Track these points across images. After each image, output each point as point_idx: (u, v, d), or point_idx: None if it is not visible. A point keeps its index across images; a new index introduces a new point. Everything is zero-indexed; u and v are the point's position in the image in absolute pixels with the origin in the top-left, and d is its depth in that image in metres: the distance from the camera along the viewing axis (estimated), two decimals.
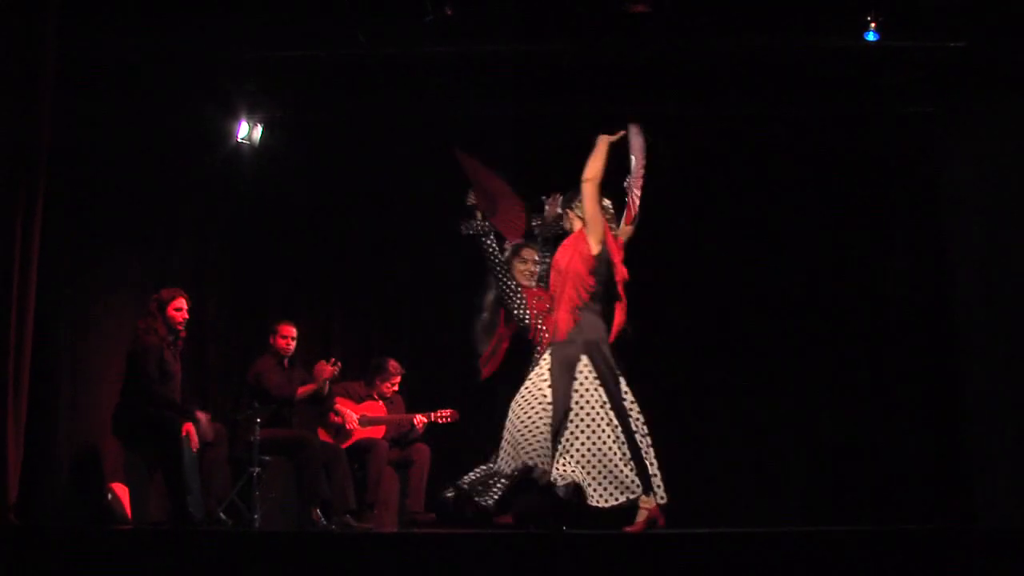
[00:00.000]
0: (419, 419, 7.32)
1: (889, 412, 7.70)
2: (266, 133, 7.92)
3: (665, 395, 7.37)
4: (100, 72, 6.58)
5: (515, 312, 6.07)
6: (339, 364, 7.13)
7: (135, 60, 6.75)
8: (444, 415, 7.34)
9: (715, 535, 5.28)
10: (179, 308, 6.47)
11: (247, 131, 7.83)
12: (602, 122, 7.69)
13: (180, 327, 6.48)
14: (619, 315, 5.67)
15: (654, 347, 7.33)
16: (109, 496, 6.41)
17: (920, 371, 7.67)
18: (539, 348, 5.92)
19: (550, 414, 5.56)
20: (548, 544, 5.15)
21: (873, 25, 6.45)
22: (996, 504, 6.87)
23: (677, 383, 7.76)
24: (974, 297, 7.20)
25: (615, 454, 5.49)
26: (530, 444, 5.53)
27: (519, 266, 6.17)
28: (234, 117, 7.76)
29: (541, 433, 5.53)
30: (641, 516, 5.52)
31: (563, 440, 5.53)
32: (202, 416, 6.33)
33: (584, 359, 5.60)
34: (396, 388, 7.50)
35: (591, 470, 5.48)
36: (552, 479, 5.47)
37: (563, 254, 5.80)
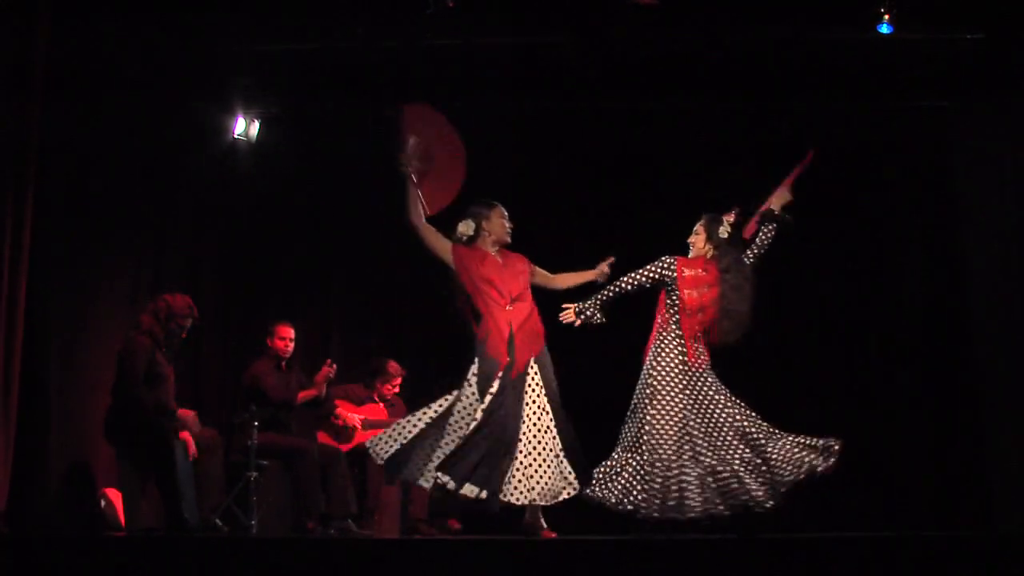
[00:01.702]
0: None
1: (905, 415, 7.62)
2: (263, 129, 7.81)
3: None
4: (93, 68, 6.49)
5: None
6: (334, 366, 7.03)
7: (129, 55, 6.65)
8: None
9: (727, 541, 5.18)
10: (183, 326, 6.33)
11: (244, 127, 7.74)
12: (605, 117, 7.71)
13: (176, 341, 6.34)
14: None
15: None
16: (103, 502, 6.31)
17: (936, 373, 7.59)
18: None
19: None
20: (549, 549, 5.09)
21: (887, 17, 6.36)
22: (1014, 508, 6.81)
23: None
24: (991, 296, 7.13)
25: None
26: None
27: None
28: (230, 113, 7.66)
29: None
30: None
31: None
32: (187, 413, 6.18)
33: None
34: (396, 390, 7.40)
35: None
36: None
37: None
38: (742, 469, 5.58)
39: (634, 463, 5.67)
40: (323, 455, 6.84)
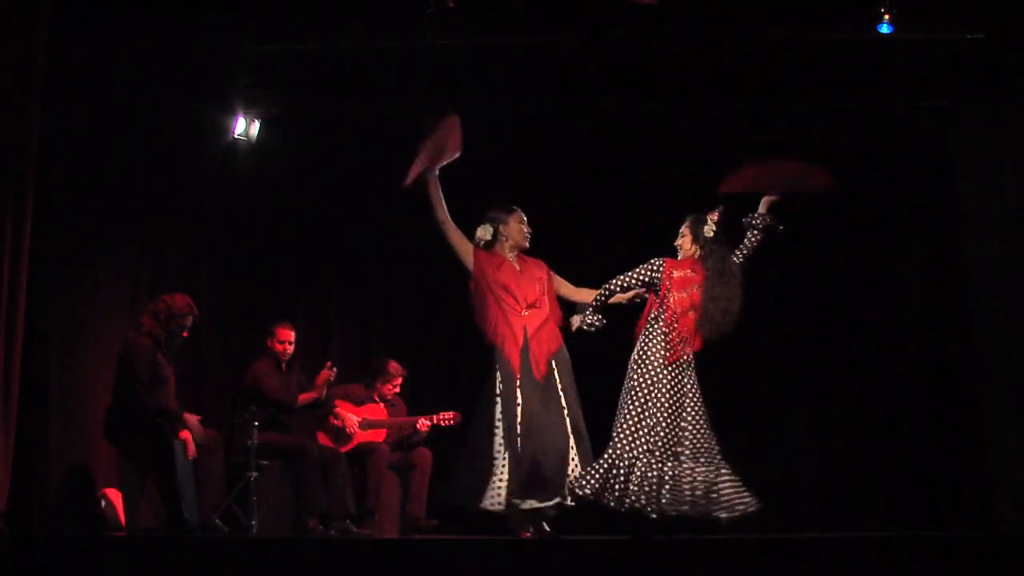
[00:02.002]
0: (422, 422, 7.20)
1: (905, 415, 7.60)
2: (263, 129, 7.80)
3: None
4: (93, 68, 6.47)
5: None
6: (335, 369, 7.02)
7: (129, 55, 6.64)
8: (447, 417, 7.21)
9: (728, 541, 5.18)
10: (183, 325, 6.32)
11: (244, 127, 7.71)
12: (607, 117, 7.69)
13: (176, 341, 6.34)
14: None
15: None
16: (103, 502, 6.30)
17: (936, 373, 7.57)
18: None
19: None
20: (551, 549, 5.09)
21: (887, 17, 6.34)
22: (1014, 509, 6.78)
23: None
24: (992, 296, 7.10)
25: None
26: None
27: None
28: (230, 113, 7.64)
29: None
30: None
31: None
32: (191, 418, 6.18)
33: None
34: (397, 390, 7.39)
35: None
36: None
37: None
38: (668, 475, 5.51)
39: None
40: (323, 455, 6.83)
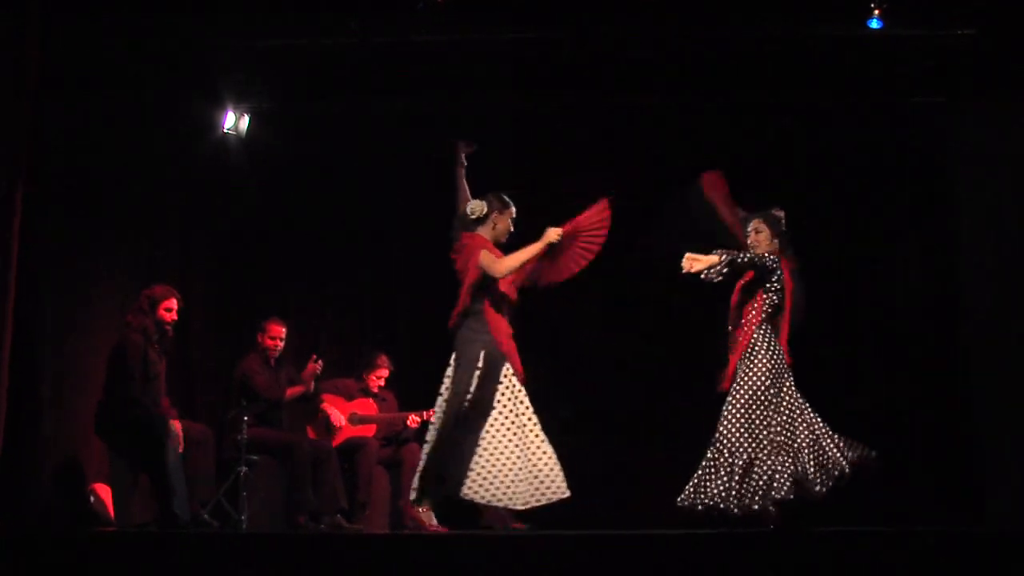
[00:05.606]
0: (413, 418, 7.20)
1: (898, 413, 7.61)
2: (253, 123, 7.78)
3: (672, 398, 7.29)
4: (83, 63, 6.46)
5: None
6: (320, 362, 7.01)
7: (119, 50, 6.63)
8: None
9: (723, 536, 5.18)
10: (170, 309, 6.33)
11: (234, 121, 7.70)
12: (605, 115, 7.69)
13: (168, 328, 6.34)
14: None
15: (660, 351, 7.27)
16: (92, 498, 6.29)
17: (930, 371, 7.58)
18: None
19: None
20: (544, 545, 5.09)
21: (877, 12, 6.34)
22: (1006, 507, 6.82)
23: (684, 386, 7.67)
24: (985, 294, 7.13)
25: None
26: None
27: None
28: (220, 107, 7.63)
29: None
30: None
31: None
32: (176, 426, 6.19)
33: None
34: (382, 383, 7.38)
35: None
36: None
37: None
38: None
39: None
40: (315, 451, 6.83)
